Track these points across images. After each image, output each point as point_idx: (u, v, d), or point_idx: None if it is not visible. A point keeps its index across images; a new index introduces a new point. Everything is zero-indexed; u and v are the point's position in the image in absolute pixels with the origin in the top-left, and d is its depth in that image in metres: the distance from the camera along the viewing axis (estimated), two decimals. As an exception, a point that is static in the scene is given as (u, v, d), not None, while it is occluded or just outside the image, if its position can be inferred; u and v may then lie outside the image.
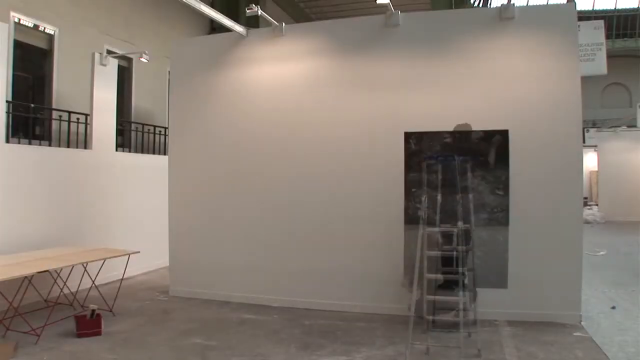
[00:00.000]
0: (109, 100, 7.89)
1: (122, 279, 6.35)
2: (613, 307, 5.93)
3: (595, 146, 17.81)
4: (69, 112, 8.50)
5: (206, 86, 6.75)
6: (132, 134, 10.66)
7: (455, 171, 4.94)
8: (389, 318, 5.60)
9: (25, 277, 4.84)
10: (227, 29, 6.61)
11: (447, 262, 4.85)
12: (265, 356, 4.46)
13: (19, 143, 7.55)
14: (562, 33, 5.57)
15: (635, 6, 21.99)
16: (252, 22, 9.15)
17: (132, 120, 10.90)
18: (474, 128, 5.62)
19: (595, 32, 8.66)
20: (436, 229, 4.89)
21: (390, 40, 6.01)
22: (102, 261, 5.92)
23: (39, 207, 6.51)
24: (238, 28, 6.49)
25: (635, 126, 15.69)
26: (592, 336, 4.92)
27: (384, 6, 5.83)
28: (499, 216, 5.53)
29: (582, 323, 5.29)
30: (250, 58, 6.56)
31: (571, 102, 5.48)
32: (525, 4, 15.06)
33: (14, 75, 7.84)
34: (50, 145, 8.46)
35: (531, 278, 5.45)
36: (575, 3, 6.97)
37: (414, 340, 4.49)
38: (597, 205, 17.67)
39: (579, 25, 6.08)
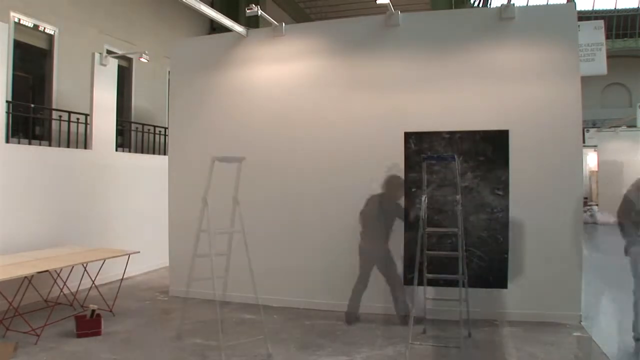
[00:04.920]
0: (109, 100, 7.89)
1: (122, 279, 6.35)
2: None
3: (595, 146, 17.80)
4: (69, 112, 8.51)
5: (206, 86, 6.75)
6: (132, 134, 10.67)
7: (456, 171, 4.93)
8: (388, 318, 5.61)
9: (25, 277, 4.84)
10: (227, 29, 6.61)
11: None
12: (265, 356, 4.46)
13: (19, 143, 7.56)
14: (562, 33, 5.57)
15: (635, 6, 22.00)
16: (252, 22, 9.17)
17: (132, 120, 10.91)
18: (474, 128, 5.62)
19: (595, 32, 8.65)
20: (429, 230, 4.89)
21: (390, 40, 6.01)
22: (102, 261, 5.92)
23: (39, 207, 6.50)
24: (238, 28, 6.49)
25: (635, 126, 15.68)
26: (592, 336, 4.92)
27: (384, 6, 5.83)
28: (499, 216, 5.53)
29: (582, 323, 5.29)
30: (250, 58, 6.56)
31: (571, 102, 5.48)
32: (525, 4, 15.06)
33: (14, 75, 7.84)
34: (50, 145, 8.47)
35: (531, 278, 5.45)
36: (575, 3, 6.98)
37: (414, 340, 4.49)
38: (597, 205, 17.66)
39: (579, 25, 6.08)
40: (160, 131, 11.12)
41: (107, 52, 8.60)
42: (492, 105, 5.65)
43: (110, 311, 5.76)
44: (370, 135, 5.95)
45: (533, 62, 5.60)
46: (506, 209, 5.52)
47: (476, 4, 20.46)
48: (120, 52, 9.54)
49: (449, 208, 5.44)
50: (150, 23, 11.57)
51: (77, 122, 8.60)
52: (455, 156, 4.86)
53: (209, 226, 4.63)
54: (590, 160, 18.87)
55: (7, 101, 6.81)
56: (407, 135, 5.79)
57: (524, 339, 4.87)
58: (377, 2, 5.71)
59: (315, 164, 6.16)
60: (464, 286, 4.68)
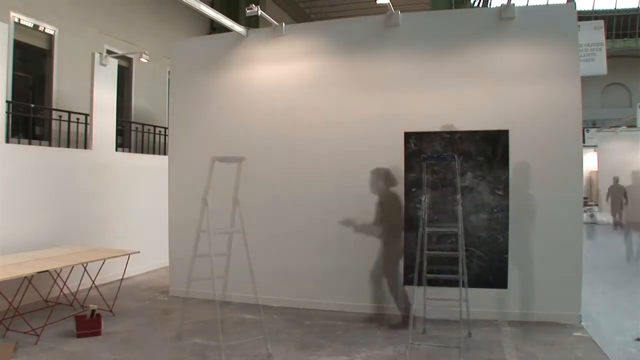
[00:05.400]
0: (109, 100, 7.90)
1: (122, 279, 6.35)
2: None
3: (595, 146, 17.81)
4: (69, 112, 8.51)
5: (206, 86, 6.75)
6: (132, 134, 10.67)
7: (456, 171, 4.92)
8: (388, 318, 5.61)
9: (25, 277, 4.84)
10: (227, 29, 6.61)
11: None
12: (265, 356, 4.46)
13: (19, 143, 7.56)
14: (562, 33, 5.57)
15: (635, 6, 21.98)
16: (252, 22, 9.17)
17: (132, 120, 10.91)
18: (474, 128, 5.62)
19: (595, 32, 8.66)
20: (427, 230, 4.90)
21: (390, 40, 6.01)
22: (102, 261, 5.92)
23: (39, 207, 6.50)
24: (238, 28, 6.49)
25: (635, 126, 15.68)
26: (592, 336, 4.92)
27: (384, 6, 5.83)
28: (499, 216, 5.53)
29: (582, 323, 5.29)
30: (250, 58, 6.56)
31: (571, 102, 5.48)
32: (525, 4, 15.05)
33: (14, 75, 7.84)
34: (50, 145, 8.47)
35: (531, 278, 5.45)
36: (575, 3, 6.98)
37: (414, 340, 4.50)
38: (597, 205, 17.67)
39: (579, 25, 6.08)
40: (160, 131, 11.12)
41: (107, 52, 8.60)
42: (492, 105, 5.65)
43: (110, 311, 5.76)
44: (370, 135, 5.95)
45: (533, 62, 5.60)
46: (506, 209, 5.52)
47: (476, 4, 20.44)
48: (120, 52, 9.55)
49: (449, 208, 5.43)
50: (150, 23, 11.57)
51: (77, 122, 8.60)
52: (455, 156, 4.85)
53: (209, 226, 4.62)
54: (590, 160, 18.87)
55: (7, 101, 6.81)
56: (407, 135, 5.79)
57: (524, 339, 4.87)
58: (377, 2, 5.71)
59: (315, 164, 6.16)
60: (464, 286, 4.68)
